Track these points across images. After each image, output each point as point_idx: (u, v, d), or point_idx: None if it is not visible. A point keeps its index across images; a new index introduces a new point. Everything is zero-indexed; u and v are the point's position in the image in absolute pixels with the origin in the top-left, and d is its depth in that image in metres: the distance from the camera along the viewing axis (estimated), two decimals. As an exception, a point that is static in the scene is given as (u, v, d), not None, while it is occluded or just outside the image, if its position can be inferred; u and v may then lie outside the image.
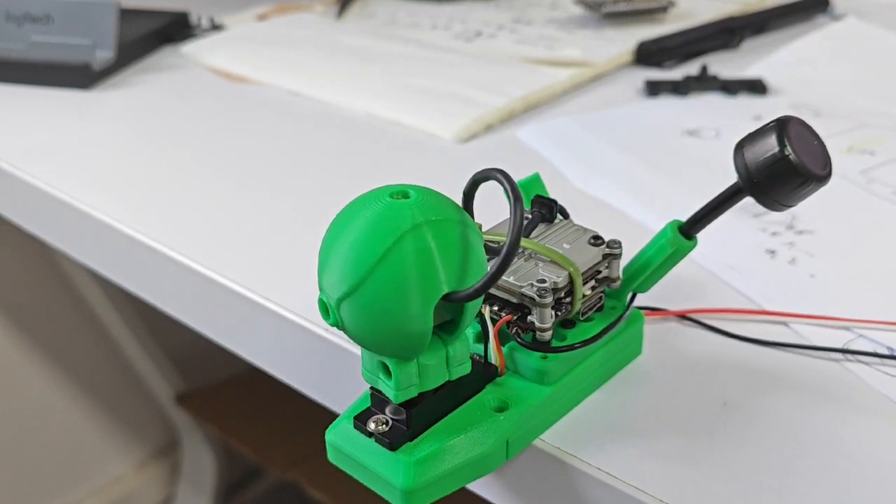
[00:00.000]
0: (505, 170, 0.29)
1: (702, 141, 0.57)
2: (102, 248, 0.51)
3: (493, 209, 0.38)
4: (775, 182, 0.30)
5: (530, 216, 0.36)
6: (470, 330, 0.34)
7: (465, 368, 0.30)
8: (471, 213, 0.31)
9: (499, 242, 0.34)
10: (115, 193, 0.52)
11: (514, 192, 0.28)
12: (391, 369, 0.29)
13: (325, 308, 0.28)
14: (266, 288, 0.42)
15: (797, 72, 0.68)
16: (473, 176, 0.30)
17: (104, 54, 0.69)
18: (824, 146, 0.32)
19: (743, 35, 0.74)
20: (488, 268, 0.28)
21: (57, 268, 0.94)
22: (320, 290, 0.29)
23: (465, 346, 0.30)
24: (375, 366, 0.30)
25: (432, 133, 0.59)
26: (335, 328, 0.29)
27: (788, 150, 0.30)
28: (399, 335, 0.28)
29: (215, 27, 0.79)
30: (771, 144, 0.30)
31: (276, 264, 0.44)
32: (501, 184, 0.28)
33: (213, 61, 0.72)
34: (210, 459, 1.04)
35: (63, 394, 0.99)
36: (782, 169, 0.30)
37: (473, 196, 0.31)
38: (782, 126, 0.30)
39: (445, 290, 0.28)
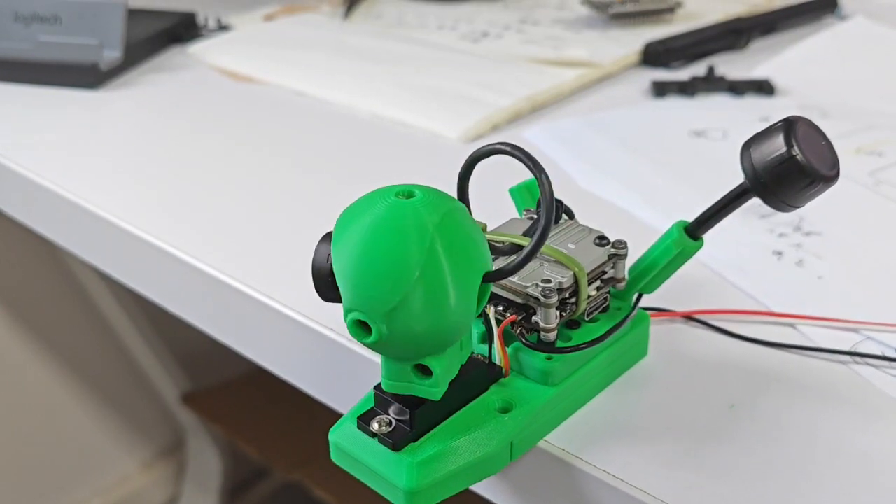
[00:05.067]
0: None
1: (709, 142, 0.57)
2: (109, 247, 0.52)
3: (493, 208, 0.38)
4: (782, 182, 0.30)
5: (535, 217, 0.36)
6: (474, 330, 0.34)
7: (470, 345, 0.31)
8: (466, 196, 0.32)
9: (503, 242, 0.34)
10: (121, 193, 0.52)
11: (530, 159, 0.28)
12: (433, 367, 0.29)
13: (361, 328, 0.27)
14: (272, 288, 0.42)
15: (805, 72, 0.68)
16: (473, 153, 0.30)
17: (112, 54, 0.69)
18: (832, 146, 0.31)
19: (750, 36, 0.74)
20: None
21: (64, 267, 0.94)
22: (352, 310, 0.27)
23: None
24: (406, 373, 0.29)
25: (438, 133, 0.59)
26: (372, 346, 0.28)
27: (796, 150, 0.30)
28: (451, 328, 0.28)
29: (222, 27, 0.79)
30: (778, 144, 0.30)
31: (281, 264, 0.44)
32: (516, 157, 0.28)
33: (220, 61, 0.72)
34: (216, 459, 1.04)
35: (69, 393, 0.99)
36: (789, 169, 0.30)
37: (470, 175, 0.31)
38: (790, 126, 0.30)
39: (482, 272, 0.28)
